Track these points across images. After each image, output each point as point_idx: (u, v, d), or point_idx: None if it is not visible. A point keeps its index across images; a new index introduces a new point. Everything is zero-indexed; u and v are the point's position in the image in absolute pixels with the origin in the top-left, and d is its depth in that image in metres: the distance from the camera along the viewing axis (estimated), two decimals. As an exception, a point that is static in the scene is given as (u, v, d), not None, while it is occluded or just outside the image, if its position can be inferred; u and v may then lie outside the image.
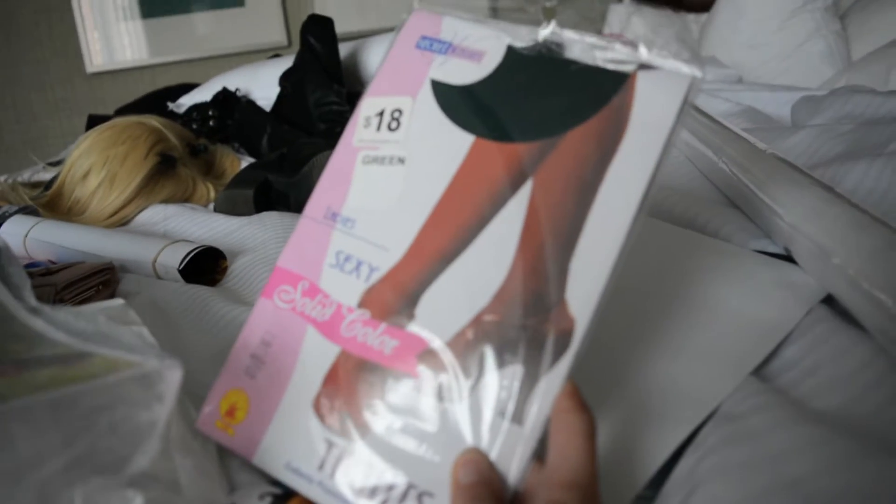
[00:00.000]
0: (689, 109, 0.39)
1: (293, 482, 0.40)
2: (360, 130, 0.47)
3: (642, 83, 0.40)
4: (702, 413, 0.42)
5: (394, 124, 0.46)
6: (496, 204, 0.41)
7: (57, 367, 0.39)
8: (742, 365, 0.46)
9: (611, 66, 0.41)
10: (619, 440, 0.41)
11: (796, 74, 1.61)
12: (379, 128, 0.46)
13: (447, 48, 0.47)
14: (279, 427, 0.42)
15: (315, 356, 0.43)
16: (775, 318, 0.49)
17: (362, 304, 0.42)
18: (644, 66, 0.41)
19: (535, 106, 0.43)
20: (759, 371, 0.46)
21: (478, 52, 0.46)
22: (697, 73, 0.39)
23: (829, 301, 0.52)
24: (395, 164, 0.45)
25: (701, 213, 0.67)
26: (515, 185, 0.41)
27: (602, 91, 0.41)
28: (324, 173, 0.47)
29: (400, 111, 0.46)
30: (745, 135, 0.78)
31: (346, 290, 0.43)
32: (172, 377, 0.36)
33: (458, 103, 0.45)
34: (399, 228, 0.43)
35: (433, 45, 0.47)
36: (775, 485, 0.35)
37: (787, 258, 0.58)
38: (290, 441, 0.41)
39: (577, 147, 0.41)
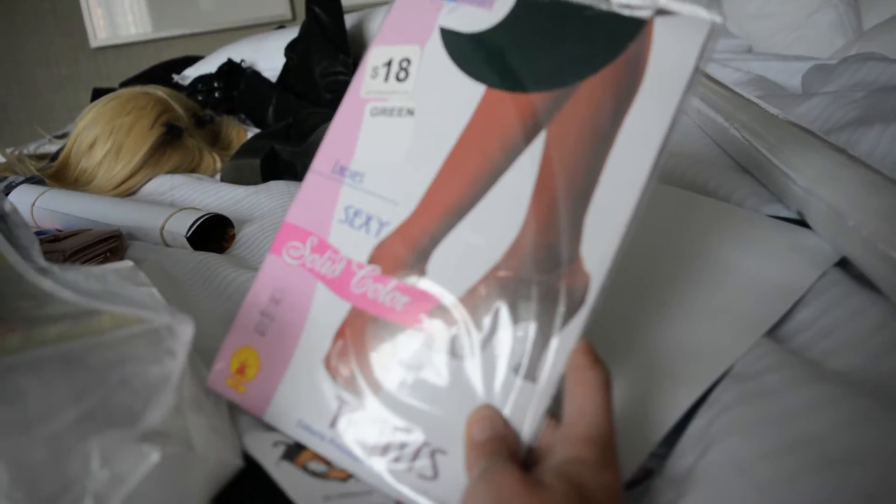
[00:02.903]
0: (708, 57, 0.38)
1: (305, 439, 0.40)
2: (367, 81, 0.46)
3: (660, 29, 0.39)
4: (716, 372, 0.41)
5: (402, 74, 0.45)
6: (509, 156, 0.40)
7: (66, 324, 0.39)
8: (756, 326, 0.45)
9: (626, 12, 0.40)
10: (634, 399, 0.41)
11: (806, 45, 1.59)
12: (387, 78, 0.45)
13: None
14: (290, 384, 0.42)
15: (325, 313, 0.42)
16: (789, 281, 0.49)
17: (372, 259, 0.42)
18: (661, 12, 0.39)
19: (548, 54, 0.41)
20: (773, 333, 0.46)
21: None
22: (717, 18, 0.38)
23: (843, 265, 0.52)
24: (403, 115, 0.44)
25: (712, 179, 0.66)
26: (529, 137, 0.40)
27: (618, 38, 0.40)
28: (331, 126, 0.46)
29: (408, 61, 0.45)
30: (756, 100, 0.77)
31: (355, 245, 0.42)
32: (184, 332, 0.36)
33: (469, 52, 0.43)
34: (409, 182, 0.42)
35: None
36: (791, 442, 0.34)
37: (801, 222, 0.57)
38: (302, 398, 0.41)
39: (592, 97, 0.39)
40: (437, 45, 0.44)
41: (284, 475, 0.38)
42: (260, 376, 0.42)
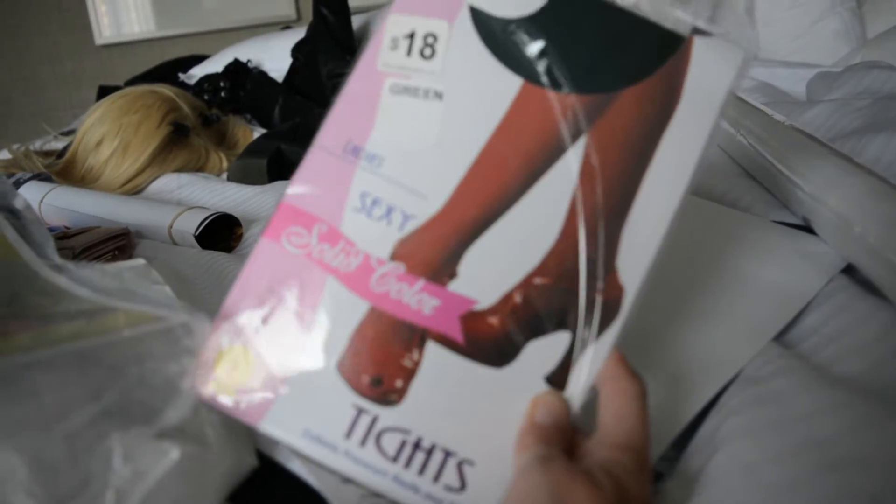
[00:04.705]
0: (739, 84, 0.38)
1: (313, 451, 0.37)
2: (385, 52, 0.41)
3: (698, 49, 0.39)
4: (724, 376, 0.42)
5: (427, 51, 0.41)
6: (548, 158, 0.39)
7: (81, 321, 0.39)
8: (763, 331, 0.46)
9: (666, 25, 0.39)
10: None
11: (810, 52, 1.59)
12: (409, 52, 0.41)
13: None
14: (294, 389, 0.38)
15: (339, 311, 0.38)
16: (796, 287, 0.49)
17: (395, 256, 0.38)
18: (698, 31, 0.39)
19: (588, 55, 0.40)
20: (780, 338, 0.47)
21: None
22: (753, 46, 0.39)
23: (849, 271, 0.52)
24: (431, 98, 0.40)
25: (719, 184, 0.67)
26: (570, 140, 0.39)
27: (659, 50, 0.39)
28: (340, 98, 0.41)
29: (434, 37, 0.41)
30: (762, 107, 0.77)
31: (374, 238, 0.39)
32: (202, 329, 0.36)
33: (503, 39, 0.40)
34: (438, 173, 0.39)
35: None
36: (799, 445, 0.35)
37: (807, 229, 0.58)
38: (309, 405, 0.37)
39: (633, 107, 0.39)
40: (466, 24, 0.41)
41: (318, 475, 0.38)
42: (254, 380, 0.38)
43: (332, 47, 1.39)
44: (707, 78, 0.39)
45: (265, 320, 0.39)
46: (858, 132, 0.75)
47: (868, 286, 0.50)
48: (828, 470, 0.33)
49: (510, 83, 0.40)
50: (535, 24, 0.40)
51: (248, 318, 0.39)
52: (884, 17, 1.58)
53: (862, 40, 1.57)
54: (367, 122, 0.40)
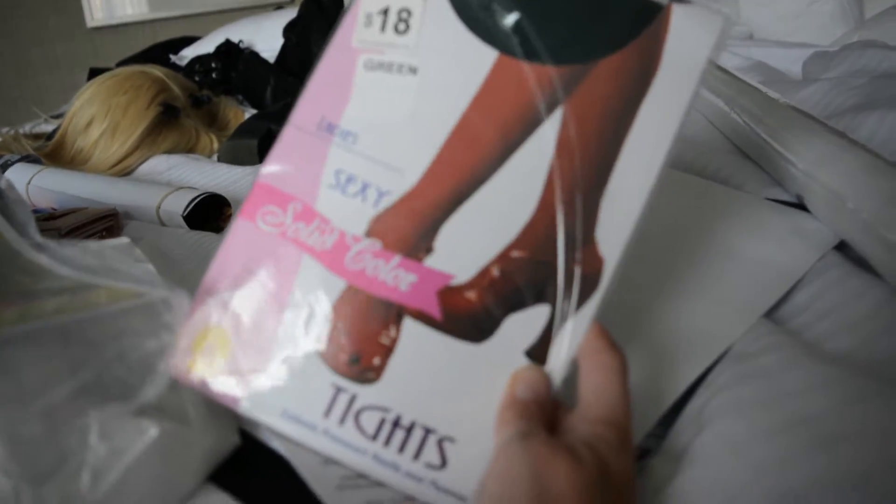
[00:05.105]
0: (720, 49, 0.38)
1: (293, 431, 0.36)
2: (360, 29, 0.41)
3: (676, 17, 0.38)
4: (713, 353, 0.42)
5: (402, 26, 0.40)
6: (525, 130, 0.38)
7: (63, 298, 0.39)
8: (754, 307, 0.45)
9: None
10: (632, 379, 0.41)
11: (807, 33, 1.59)
12: (384, 28, 0.41)
13: None
14: (271, 370, 0.37)
15: (315, 290, 0.38)
16: (787, 263, 0.49)
17: (371, 232, 0.38)
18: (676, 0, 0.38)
19: (564, 26, 0.39)
20: (771, 315, 0.46)
21: None
22: (730, 15, 0.38)
23: (842, 248, 0.52)
24: (405, 73, 0.40)
25: (712, 162, 0.66)
26: (546, 112, 0.38)
27: (636, 19, 0.38)
28: (314, 76, 0.41)
29: (408, 12, 0.40)
30: (757, 85, 0.77)
31: (350, 215, 0.39)
32: (181, 305, 0.36)
33: (478, 11, 0.40)
34: (413, 148, 0.39)
35: None
36: (787, 421, 0.34)
37: (800, 206, 0.57)
38: (287, 386, 0.37)
39: (611, 77, 0.38)
40: None
41: (298, 456, 0.38)
42: (232, 361, 0.37)
43: (324, 27, 1.38)
44: (685, 46, 0.38)
45: (241, 301, 0.39)
46: (853, 110, 0.74)
47: (861, 263, 0.49)
48: (817, 447, 0.33)
49: (485, 56, 0.39)
50: None
51: (224, 299, 0.39)
52: (881, -2, 1.57)
53: (859, 21, 1.57)
54: (341, 99, 0.40)
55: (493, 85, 0.39)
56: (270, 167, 0.40)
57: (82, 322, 0.35)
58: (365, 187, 0.39)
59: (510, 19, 0.39)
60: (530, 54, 0.39)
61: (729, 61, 1.15)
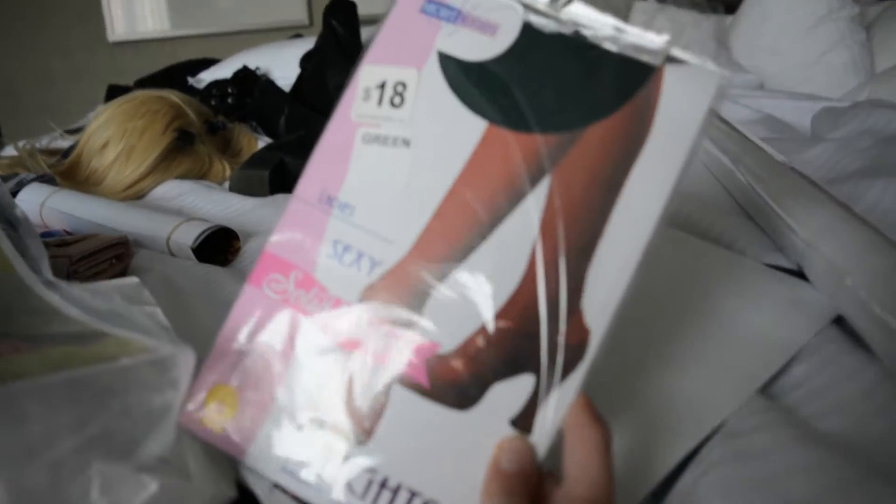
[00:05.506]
0: (716, 111, 0.38)
1: (291, 485, 0.38)
2: (359, 103, 0.42)
3: (670, 78, 0.38)
4: (706, 428, 0.42)
5: (397, 100, 0.42)
6: (511, 200, 0.39)
7: (71, 346, 0.39)
8: (749, 381, 0.46)
9: (635, 56, 0.39)
10: (622, 451, 0.41)
11: (818, 83, 1.60)
12: (381, 102, 0.42)
13: (456, 16, 0.42)
14: (273, 427, 0.39)
15: (313, 354, 0.40)
16: (785, 336, 0.49)
17: (364, 300, 0.40)
18: (671, 59, 0.38)
19: (554, 94, 0.40)
20: (766, 388, 0.46)
21: (491, 24, 0.41)
22: (727, 72, 0.37)
23: (840, 319, 0.52)
24: (399, 145, 0.41)
25: (716, 224, 0.67)
26: (532, 182, 0.39)
27: (627, 83, 0.39)
28: (317, 149, 0.43)
29: (404, 85, 0.42)
30: (763, 145, 0.78)
31: (345, 284, 0.40)
32: (186, 362, 0.37)
33: (469, 83, 0.41)
34: (404, 219, 0.40)
35: (440, 10, 0.42)
36: (774, 505, 0.35)
37: (800, 274, 0.58)
38: (286, 442, 0.39)
39: (599, 144, 0.38)
40: (435, 71, 0.42)
41: None
42: (239, 416, 0.40)
43: (340, 60, 1.40)
44: (680, 107, 0.38)
45: (249, 362, 0.41)
46: (858, 175, 0.75)
47: (858, 339, 0.49)
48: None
49: (475, 127, 0.40)
50: (500, 65, 0.41)
51: (233, 360, 0.41)
52: (893, 51, 1.58)
53: (870, 73, 1.58)
54: (340, 172, 0.42)
55: (482, 156, 0.40)
56: (277, 237, 0.42)
57: (90, 375, 0.36)
58: (359, 257, 0.40)
59: (499, 89, 0.40)
60: (518, 124, 0.40)
61: (737, 114, 1.16)
